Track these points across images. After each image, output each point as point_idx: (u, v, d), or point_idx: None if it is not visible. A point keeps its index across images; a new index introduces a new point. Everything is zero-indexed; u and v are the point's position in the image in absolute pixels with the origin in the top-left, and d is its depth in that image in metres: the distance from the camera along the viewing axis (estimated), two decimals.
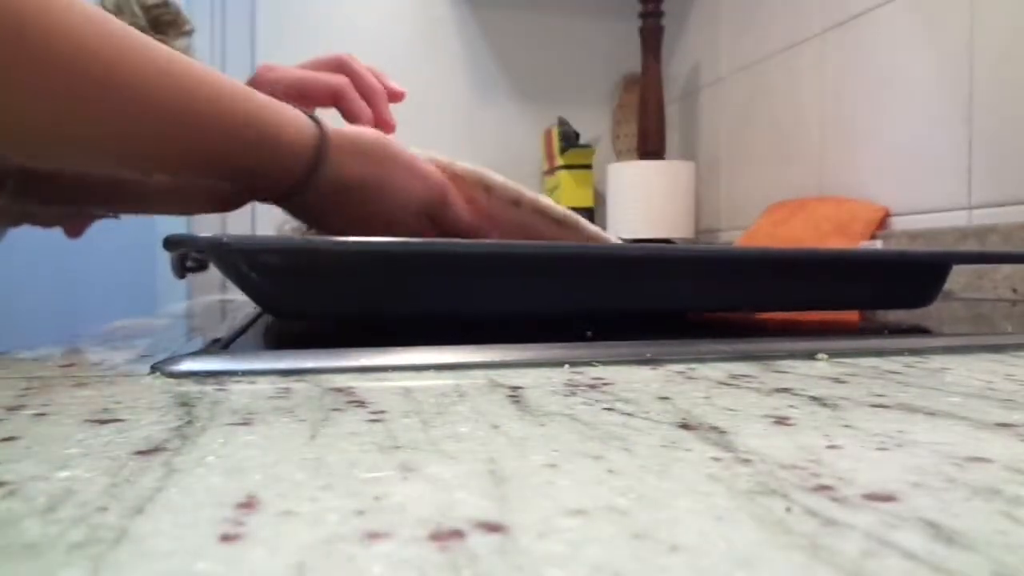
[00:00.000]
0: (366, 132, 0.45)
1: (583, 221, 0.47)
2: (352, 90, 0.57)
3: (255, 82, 0.54)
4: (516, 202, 0.46)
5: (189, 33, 0.73)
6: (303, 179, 0.42)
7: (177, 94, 0.36)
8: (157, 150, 0.38)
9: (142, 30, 0.59)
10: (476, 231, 0.48)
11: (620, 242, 0.49)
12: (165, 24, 0.70)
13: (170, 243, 0.32)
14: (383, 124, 0.58)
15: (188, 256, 0.38)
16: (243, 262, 0.32)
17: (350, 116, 0.56)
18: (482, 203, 0.47)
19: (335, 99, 0.56)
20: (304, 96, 0.56)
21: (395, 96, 0.60)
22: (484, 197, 0.47)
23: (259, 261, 0.32)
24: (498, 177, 0.46)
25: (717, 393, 0.23)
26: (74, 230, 0.55)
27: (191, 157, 0.38)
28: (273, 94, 0.42)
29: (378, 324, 0.38)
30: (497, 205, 0.47)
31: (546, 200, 0.47)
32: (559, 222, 0.46)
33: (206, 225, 1.47)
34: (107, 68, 0.33)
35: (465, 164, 0.47)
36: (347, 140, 0.43)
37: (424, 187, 0.46)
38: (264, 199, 0.45)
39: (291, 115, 0.41)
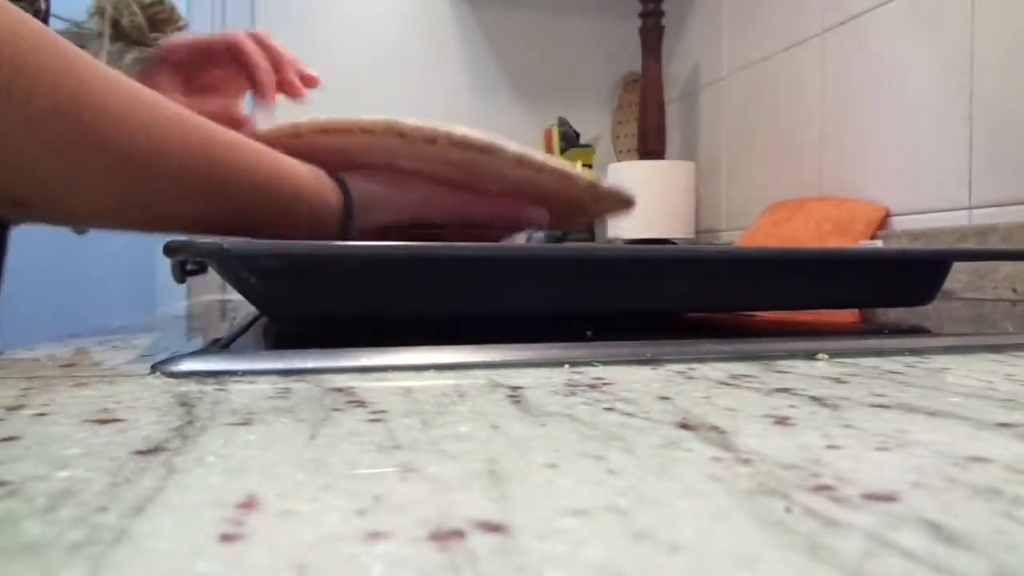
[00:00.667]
0: (387, 186, 0.46)
1: (506, 144, 0.45)
2: (251, 43, 0.58)
3: (160, 56, 0.56)
4: (431, 140, 0.44)
5: (182, 28, 0.74)
6: (335, 234, 0.43)
7: (212, 171, 0.37)
8: (188, 221, 0.38)
9: (139, 29, 0.59)
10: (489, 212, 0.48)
11: (558, 165, 0.46)
12: (161, 22, 0.71)
13: (170, 249, 0.32)
14: (289, 88, 0.59)
15: (188, 260, 0.38)
16: (243, 267, 0.32)
17: (250, 70, 0.58)
18: (400, 152, 0.45)
19: (235, 52, 0.58)
20: (206, 54, 0.58)
21: (309, 80, 0.61)
22: (400, 144, 0.44)
23: (259, 266, 0.32)
24: (410, 120, 0.44)
25: (717, 393, 0.23)
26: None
27: (218, 222, 0.39)
28: (179, 61, 0.43)
29: (378, 325, 0.38)
30: (417, 151, 0.45)
31: (462, 130, 0.44)
32: (485, 150, 0.44)
33: None
34: (149, 148, 0.34)
35: (372, 117, 0.45)
36: (372, 199, 0.45)
37: (444, 212, 0.47)
38: None
39: (316, 180, 0.42)
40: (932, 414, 0.20)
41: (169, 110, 0.35)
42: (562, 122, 1.55)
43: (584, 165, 1.54)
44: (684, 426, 0.19)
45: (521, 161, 0.45)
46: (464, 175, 0.46)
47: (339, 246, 0.33)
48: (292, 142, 0.45)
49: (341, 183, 0.44)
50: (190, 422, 0.19)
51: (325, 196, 0.43)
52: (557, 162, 0.46)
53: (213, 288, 1.28)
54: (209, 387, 0.24)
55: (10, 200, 0.33)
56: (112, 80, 0.33)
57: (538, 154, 0.45)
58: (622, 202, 0.52)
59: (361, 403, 0.22)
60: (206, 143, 0.36)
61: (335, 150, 0.45)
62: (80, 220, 0.39)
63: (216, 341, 0.36)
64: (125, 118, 0.33)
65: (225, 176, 0.37)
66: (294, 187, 0.41)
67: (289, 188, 0.41)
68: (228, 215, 0.38)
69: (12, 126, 0.29)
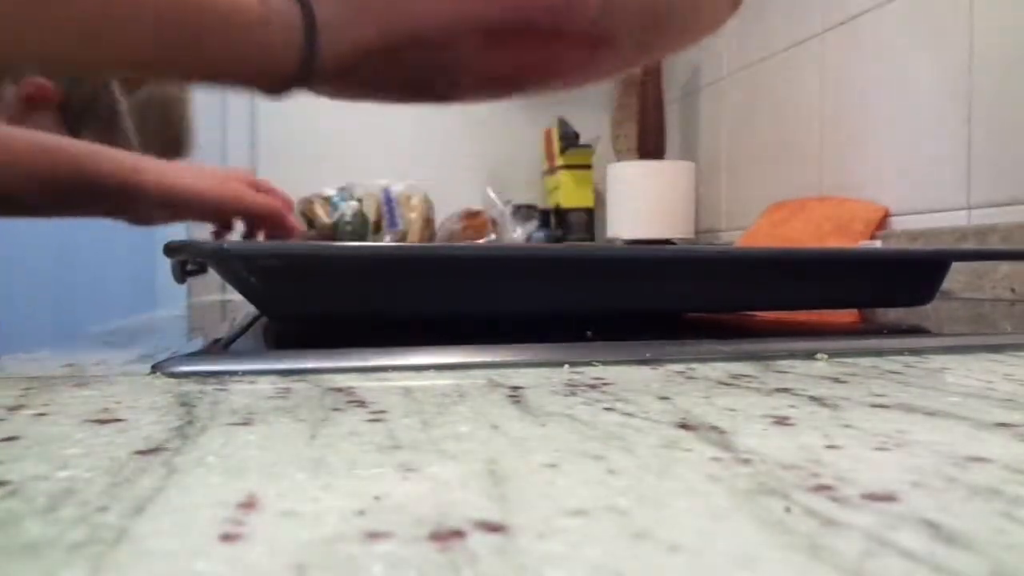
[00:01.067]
0: None
1: None
2: (250, 196, 0.64)
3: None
4: None
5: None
6: (296, 74, 0.34)
7: None
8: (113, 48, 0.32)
9: None
10: None
11: None
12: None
13: (170, 250, 0.32)
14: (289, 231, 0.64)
15: (188, 260, 0.38)
16: (243, 267, 0.32)
17: (261, 218, 0.63)
18: None
19: (241, 210, 0.63)
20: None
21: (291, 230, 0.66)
22: None
23: (259, 266, 0.32)
24: None
25: (717, 393, 0.23)
26: None
27: (144, 55, 0.33)
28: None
29: (378, 325, 0.38)
30: None
31: None
32: None
33: (206, 228, 1.47)
34: None
35: None
36: (341, 7, 0.34)
37: (454, 14, 0.34)
38: (267, 93, 0.37)
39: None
40: (931, 414, 0.20)
41: None
42: (562, 122, 1.55)
43: (584, 165, 1.54)
44: (684, 426, 0.19)
45: None
46: None
47: (339, 246, 0.33)
48: None
49: None
50: (190, 422, 0.19)
51: (275, 10, 0.33)
52: None
53: (213, 288, 1.28)
54: (209, 387, 0.24)
55: None
56: None
57: None
58: None
59: (361, 403, 0.22)
60: None
61: None
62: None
63: (216, 341, 0.36)
64: None
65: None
66: (228, 7, 0.33)
67: (223, 3, 0.33)
68: (152, 45, 0.32)
69: None
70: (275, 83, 0.36)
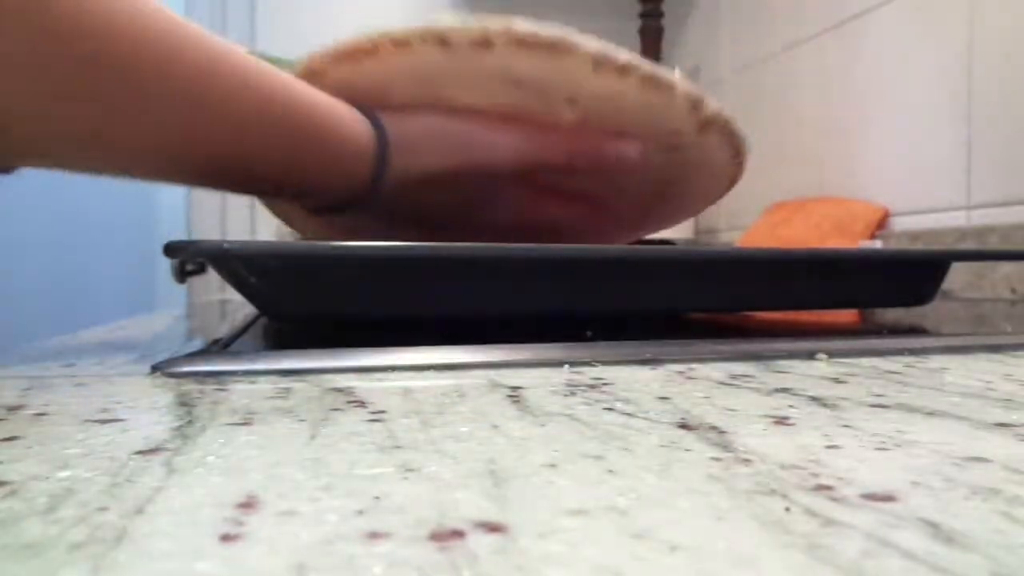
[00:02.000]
0: (426, 122, 0.37)
1: (581, 39, 0.36)
2: None
3: None
4: (484, 43, 0.34)
5: None
6: (364, 189, 0.36)
7: (216, 94, 0.31)
8: (185, 155, 0.32)
9: None
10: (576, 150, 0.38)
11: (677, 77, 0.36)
12: None
13: (170, 250, 0.32)
14: None
15: (188, 260, 0.38)
16: (243, 267, 0.32)
17: None
18: (445, 74, 0.35)
19: None
20: None
21: None
22: (444, 59, 0.35)
23: (259, 266, 0.32)
24: (448, 20, 0.35)
25: (717, 393, 0.23)
26: None
27: (226, 164, 0.33)
28: None
29: (378, 325, 0.38)
30: (467, 66, 0.35)
31: (523, 25, 0.35)
32: (556, 48, 0.34)
33: (206, 228, 1.47)
34: (159, 65, 0.29)
35: (404, 27, 0.36)
36: (409, 138, 0.37)
37: (506, 155, 0.37)
38: (321, 211, 0.39)
39: (342, 115, 0.35)
40: (931, 414, 0.20)
41: (180, 28, 0.30)
42: None
43: None
44: (684, 426, 0.19)
45: (601, 62, 0.35)
46: (529, 102, 0.36)
47: (339, 246, 0.33)
48: (312, 83, 0.36)
49: (373, 119, 0.36)
50: (190, 422, 0.19)
51: (353, 133, 0.35)
52: (647, 64, 0.36)
53: (213, 288, 1.28)
54: (209, 387, 0.24)
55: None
56: None
57: (622, 51, 0.36)
58: (734, 140, 0.41)
59: (361, 403, 0.22)
60: (212, 63, 0.31)
61: (363, 88, 0.37)
62: (65, 151, 0.31)
63: (216, 341, 0.36)
64: (132, 30, 0.28)
65: (236, 106, 0.31)
66: (316, 120, 0.34)
67: (307, 121, 0.34)
68: (236, 156, 0.33)
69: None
70: (340, 199, 0.38)
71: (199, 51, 0.31)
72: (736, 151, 0.42)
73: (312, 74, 0.37)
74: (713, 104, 0.39)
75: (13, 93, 0.27)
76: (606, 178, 0.40)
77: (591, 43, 0.35)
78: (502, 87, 0.36)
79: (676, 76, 0.37)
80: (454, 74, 0.36)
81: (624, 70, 0.36)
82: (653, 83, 0.36)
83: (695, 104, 0.38)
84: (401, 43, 0.35)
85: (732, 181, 0.44)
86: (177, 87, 0.30)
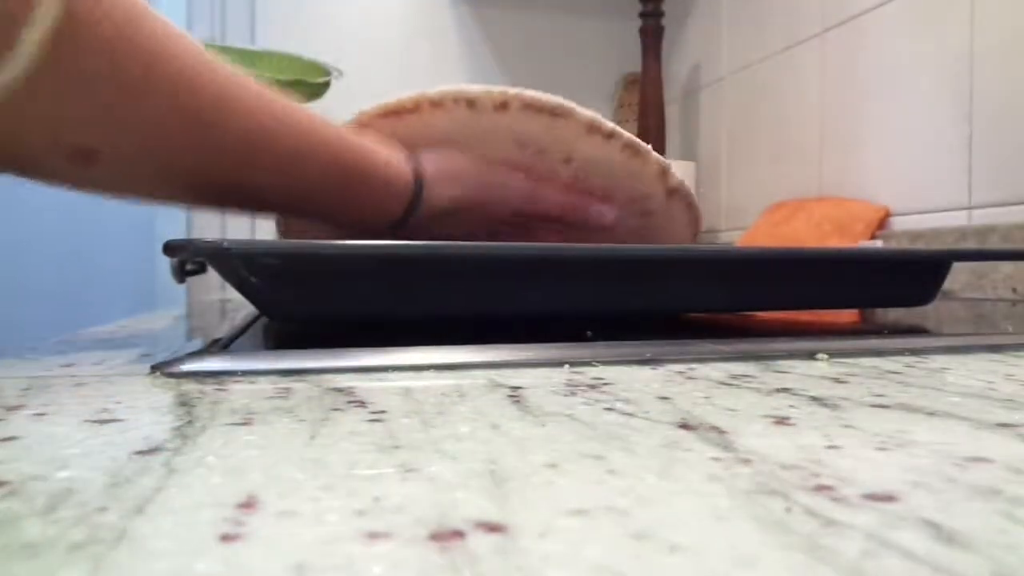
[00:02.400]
0: (457, 161, 0.44)
1: (577, 107, 0.43)
2: None
3: None
4: (503, 105, 0.42)
5: None
6: (400, 219, 0.42)
7: (279, 140, 0.36)
8: (252, 190, 0.38)
9: None
10: (565, 206, 0.46)
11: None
12: None
13: (170, 249, 0.32)
14: None
15: (188, 260, 0.38)
16: (243, 267, 0.32)
17: None
18: (468, 128, 0.43)
19: None
20: None
21: None
22: (469, 116, 0.42)
23: (259, 266, 0.32)
24: (476, 87, 0.42)
25: (717, 393, 0.23)
26: None
27: (284, 197, 0.39)
28: None
29: (378, 325, 0.38)
30: (486, 123, 0.42)
31: (531, 92, 0.42)
32: (557, 112, 0.41)
33: (206, 227, 1.47)
34: (215, 103, 0.34)
35: (436, 89, 0.43)
36: (442, 173, 0.43)
37: (516, 196, 0.45)
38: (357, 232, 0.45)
39: (387, 159, 0.41)
40: (932, 414, 0.20)
41: (240, 77, 0.35)
42: None
43: None
44: (684, 426, 0.19)
45: (592, 126, 0.42)
46: (530, 157, 0.44)
47: (339, 246, 0.33)
48: (360, 134, 0.43)
49: (414, 159, 0.43)
50: (190, 422, 0.19)
51: (395, 174, 0.41)
52: (627, 134, 0.44)
53: (213, 288, 1.28)
54: (209, 387, 0.24)
55: (79, 150, 0.32)
56: (186, 43, 0.33)
57: (608, 121, 0.44)
58: (691, 209, 0.48)
59: (361, 403, 0.22)
60: (285, 113, 0.36)
61: (401, 139, 0.43)
62: (143, 181, 0.37)
63: (216, 341, 0.36)
64: (198, 76, 0.33)
65: (294, 145, 0.37)
66: (365, 162, 0.40)
67: (358, 163, 0.40)
68: (293, 191, 0.38)
69: (96, 65, 0.29)
70: (378, 227, 0.43)
71: (264, 100, 0.36)
72: (694, 218, 0.49)
73: (361, 126, 0.44)
74: (677, 175, 0.46)
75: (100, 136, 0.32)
76: (584, 234, 0.48)
77: (585, 111, 0.43)
78: (511, 146, 0.43)
79: (648, 146, 0.44)
80: (476, 131, 0.43)
81: (611, 135, 0.43)
82: (633, 149, 0.44)
83: (663, 170, 0.45)
84: (437, 103, 0.42)
85: (687, 244, 0.53)
86: (269, 164, 0.37)
